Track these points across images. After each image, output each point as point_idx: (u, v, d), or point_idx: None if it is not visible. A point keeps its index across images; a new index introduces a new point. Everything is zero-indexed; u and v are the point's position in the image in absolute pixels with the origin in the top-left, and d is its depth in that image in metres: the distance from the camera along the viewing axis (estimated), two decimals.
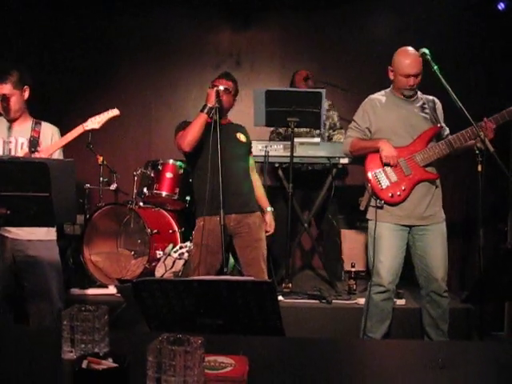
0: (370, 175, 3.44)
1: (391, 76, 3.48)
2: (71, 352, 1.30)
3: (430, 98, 3.56)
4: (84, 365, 1.19)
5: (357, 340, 3.11)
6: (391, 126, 3.45)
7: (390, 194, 3.39)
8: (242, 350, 1.36)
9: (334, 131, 4.87)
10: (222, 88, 3.53)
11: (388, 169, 3.39)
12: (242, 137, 3.73)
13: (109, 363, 1.20)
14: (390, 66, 3.47)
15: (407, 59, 3.35)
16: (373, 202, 3.43)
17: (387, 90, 3.59)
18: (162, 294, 2.02)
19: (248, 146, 3.81)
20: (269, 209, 3.83)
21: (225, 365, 1.24)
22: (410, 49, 3.40)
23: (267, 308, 2.00)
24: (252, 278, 2.42)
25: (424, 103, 3.53)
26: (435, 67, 3.16)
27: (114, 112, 3.38)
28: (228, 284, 2.08)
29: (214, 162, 3.42)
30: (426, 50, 3.22)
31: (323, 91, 4.14)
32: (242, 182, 3.66)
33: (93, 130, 3.29)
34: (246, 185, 3.69)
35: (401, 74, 3.39)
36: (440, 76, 3.16)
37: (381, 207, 3.41)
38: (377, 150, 3.40)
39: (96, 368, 1.17)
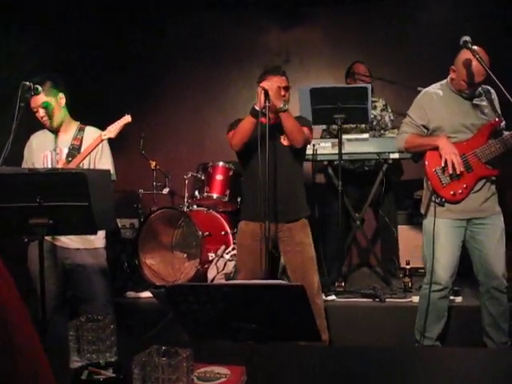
0: (430, 173, 3.32)
1: (452, 75, 3.29)
2: (78, 361, 1.33)
3: (486, 88, 3.37)
4: (84, 375, 1.22)
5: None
6: (451, 125, 3.30)
7: (452, 192, 3.28)
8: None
9: (385, 131, 4.74)
10: (268, 87, 3.17)
11: (448, 166, 3.22)
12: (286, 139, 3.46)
13: (107, 373, 1.23)
14: (452, 65, 3.27)
15: (473, 68, 3.12)
16: (433, 199, 3.33)
17: (443, 82, 3.41)
18: (195, 298, 2.03)
19: (293, 149, 3.48)
20: None
21: (219, 376, 1.23)
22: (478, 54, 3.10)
23: (299, 312, 1.98)
24: (282, 282, 2.39)
25: (481, 95, 3.35)
26: (477, 56, 2.99)
27: (126, 119, 3.29)
28: (258, 288, 2.07)
29: (261, 165, 3.28)
30: (467, 38, 3.04)
31: (368, 86, 4.05)
32: (286, 189, 3.44)
33: (110, 139, 3.28)
34: (289, 191, 3.47)
35: (464, 80, 3.20)
36: (484, 66, 3.01)
37: (442, 205, 3.30)
38: (436, 147, 3.28)
39: (92, 379, 1.20)
